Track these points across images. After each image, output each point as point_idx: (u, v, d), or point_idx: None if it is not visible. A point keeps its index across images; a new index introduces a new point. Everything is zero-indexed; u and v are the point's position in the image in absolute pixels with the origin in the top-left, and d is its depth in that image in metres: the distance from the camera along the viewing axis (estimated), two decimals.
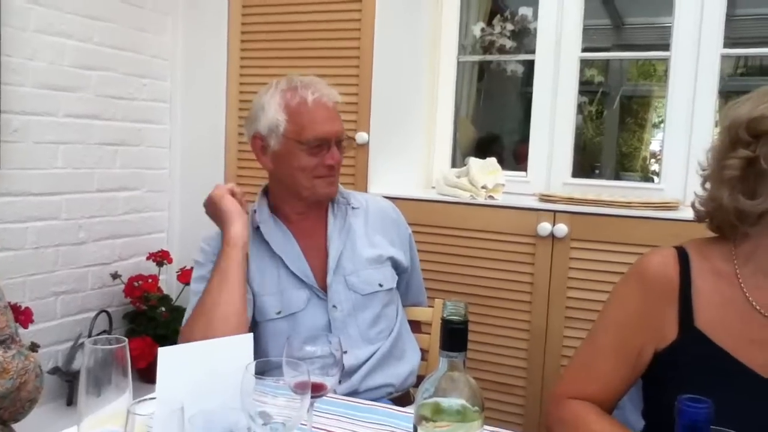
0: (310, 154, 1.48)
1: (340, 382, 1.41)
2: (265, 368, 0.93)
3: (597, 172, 3.24)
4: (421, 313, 1.72)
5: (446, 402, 0.81)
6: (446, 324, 0.81)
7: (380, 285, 1.54)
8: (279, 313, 1.47)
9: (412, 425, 0.83)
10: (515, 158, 2.89)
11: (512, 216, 2.13)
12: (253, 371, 0.89)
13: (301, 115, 1.48)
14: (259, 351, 1.40)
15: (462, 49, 2.67)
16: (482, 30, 2.67)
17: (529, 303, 2.11)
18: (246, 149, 1.71)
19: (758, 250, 1.10)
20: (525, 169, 2.48)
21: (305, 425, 0.99)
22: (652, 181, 2.92)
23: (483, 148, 2.85)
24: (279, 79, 1.55)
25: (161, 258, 2.69)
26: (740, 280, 1.11)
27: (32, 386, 1.26)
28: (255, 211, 1.54)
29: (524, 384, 2.14)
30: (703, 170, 1.18)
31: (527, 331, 2.12)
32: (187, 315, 1.45)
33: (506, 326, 2.15)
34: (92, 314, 2.51)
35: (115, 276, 2.59)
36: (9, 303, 1.38)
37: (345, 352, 1.36)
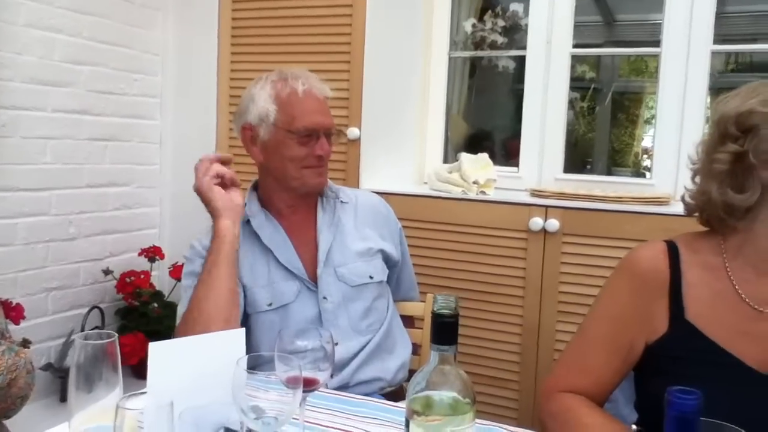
0: (299, 144, 1.48)
1: (332, 375, 1.41)
2: (256, 363, 0.93)
3: (589, 167, 3.24)
4: (414, 308, 1.73)
5: (438, 395, 0.81)
6: (436, 317, 0.81)
7: (370, 277, 1.54)
8: (270, 305, 1.47)
9: (404, 419, 0.84)
10: (507, 154, 2.89)
11: (504, 211, 2.13)
12: (244, 366, 0.89)
13: (291, 105, 1.48)
14: (250, 343, 1.41)
15: (453, 44, 2.66)
16: (473, 26, 2.66)
17: (521, 298, 2.12)
18: (237, 144, 1.70)
19: (746, 243, 1.11)
20: (516, 165, 2.49)
21: (297, 419, 0.99)
22: (644, 176, 2.92)
23: (474, 143, 2.85)
24: (269, 72, 1.55)
25: (153, 254, 2.68)
26: (729, 273, 1.12)
27: (23, 382, 1.25)
28: (245, 205, 1.54)
29: (517, 378, 2.15)
30: (693, 164, 1.19)
31: (520, 326, 2.13)
32: (179, 311, 1.45)
33: (499, 321, 2.16)
34: (84, 310, 2.51)
35: (107, 272, 2.59)
36: None
37: (336, 344, 1.36)
